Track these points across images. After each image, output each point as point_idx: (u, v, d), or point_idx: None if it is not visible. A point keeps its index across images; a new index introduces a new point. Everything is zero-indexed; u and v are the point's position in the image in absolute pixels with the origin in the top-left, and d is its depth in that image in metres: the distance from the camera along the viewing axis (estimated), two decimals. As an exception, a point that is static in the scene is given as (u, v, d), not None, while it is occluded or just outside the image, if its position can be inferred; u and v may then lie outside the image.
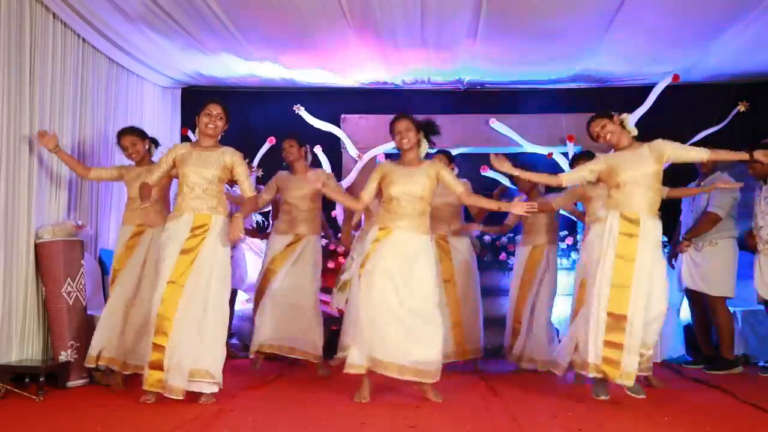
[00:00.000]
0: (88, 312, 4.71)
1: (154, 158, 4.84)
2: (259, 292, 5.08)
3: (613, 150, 4.07)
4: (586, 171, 4.03)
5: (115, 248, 4.70)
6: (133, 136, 4.76)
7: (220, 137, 4.21)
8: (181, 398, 3.82)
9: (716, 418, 3.56)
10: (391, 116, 4.25)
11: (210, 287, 3.97)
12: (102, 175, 4.76)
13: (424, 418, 3.60)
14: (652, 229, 3.86)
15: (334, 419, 3.56)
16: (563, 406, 3.79)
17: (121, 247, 4.57)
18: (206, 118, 4.12)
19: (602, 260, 3.82)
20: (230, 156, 4.15)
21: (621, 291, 3.76)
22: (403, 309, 3.95)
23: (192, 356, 3.88)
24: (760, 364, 5.32)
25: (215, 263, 4.00)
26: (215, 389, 3.96)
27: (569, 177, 4.10)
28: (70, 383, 4.43)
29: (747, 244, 5.09)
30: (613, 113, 4.06)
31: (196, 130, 4.19)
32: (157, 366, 3.85)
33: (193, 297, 3.91)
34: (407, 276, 3.99)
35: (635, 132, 4.09)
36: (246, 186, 4.19)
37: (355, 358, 3.96)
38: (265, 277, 5.06)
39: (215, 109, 4.13)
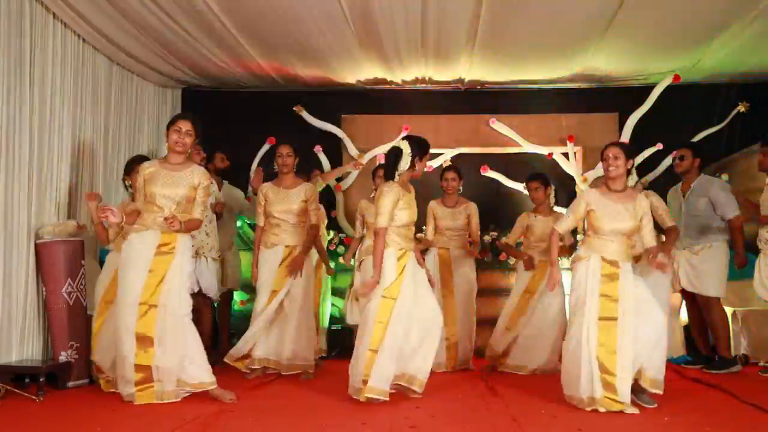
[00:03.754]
0: (88, 312, 4.71)
1: None
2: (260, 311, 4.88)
3: (603, 182, 4.11)
4: (575, 221, 4.13)
5: (102, 275, 4.51)
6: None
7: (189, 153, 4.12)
8: (178, 400, 3.87)
9: (716, 418, 3.56)
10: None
11: (180, 301, 3.98)
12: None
13: (424, 418, 3.60)
14: (631, 269, 3.99)
15: (334, 419, 3.56)
16: (563, 406, 3.79)
17: (110, 276, 4.37)
18: (175, 135, 4.02)
19: (588, 299, 3.90)
20: (198, 177, 4.09)
21: (608, 324, 3.82)
22: (414, 323, 4.04)
23: (179, 366, 3.91)
24: (760, 363, 5.32)
25: (182, 278, 4.01)
26: (214, 386, 4.00)
27: (564, 226, 4.18)
28: (70, 383, 4.44)
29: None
30: (631, 159, 4.05)
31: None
32: (146, 381, 3.87)
33: (168, 313, 3.92)
34: (418, 293, 4.10)
35: (632, 183, 4.20)
36: (199, 210, 4.11)
37: (381, 381, 3.90)
38: (268, 299, 4.86)
39: (185, 126, 4.02)
